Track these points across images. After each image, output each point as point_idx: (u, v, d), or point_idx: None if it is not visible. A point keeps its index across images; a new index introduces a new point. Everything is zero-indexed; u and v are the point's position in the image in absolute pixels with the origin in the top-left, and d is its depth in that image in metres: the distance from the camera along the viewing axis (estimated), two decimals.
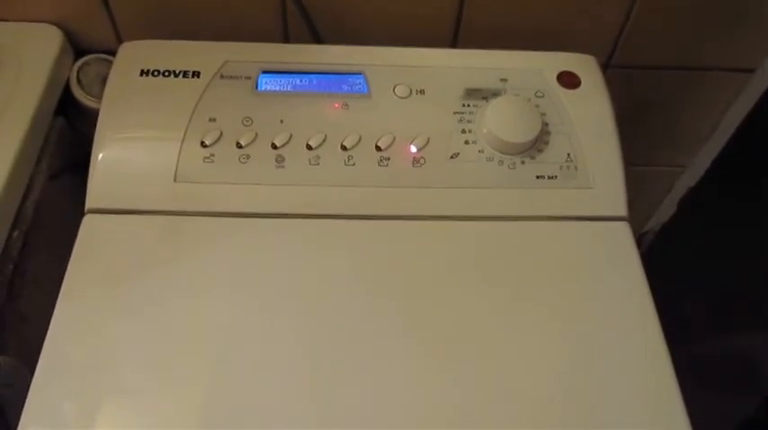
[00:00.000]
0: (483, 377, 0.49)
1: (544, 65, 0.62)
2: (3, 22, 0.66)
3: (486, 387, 0.48)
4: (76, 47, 0.69)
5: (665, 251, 0.96)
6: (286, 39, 0.70)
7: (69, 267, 0.51)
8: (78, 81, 0.67)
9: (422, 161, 0.57)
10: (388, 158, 0.57)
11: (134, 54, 0.60)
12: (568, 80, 0.62)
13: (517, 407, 0.48)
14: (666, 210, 0.95)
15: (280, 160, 0.56)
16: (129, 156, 0.56)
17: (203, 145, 0.56)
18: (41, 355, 0.47)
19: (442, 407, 0.47)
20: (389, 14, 0.68)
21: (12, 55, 0.64)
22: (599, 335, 0.51)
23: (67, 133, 0.68)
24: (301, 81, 0.60)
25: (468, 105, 0.60)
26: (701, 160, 0.87)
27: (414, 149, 0.57)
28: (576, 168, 0.58)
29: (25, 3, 0.66)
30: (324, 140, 0.57)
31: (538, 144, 0.58)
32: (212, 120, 0.57)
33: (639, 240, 0.96)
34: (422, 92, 0.60)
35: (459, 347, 0.50)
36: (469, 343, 0.50)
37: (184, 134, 0.56)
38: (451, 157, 0.57)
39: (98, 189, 0.55)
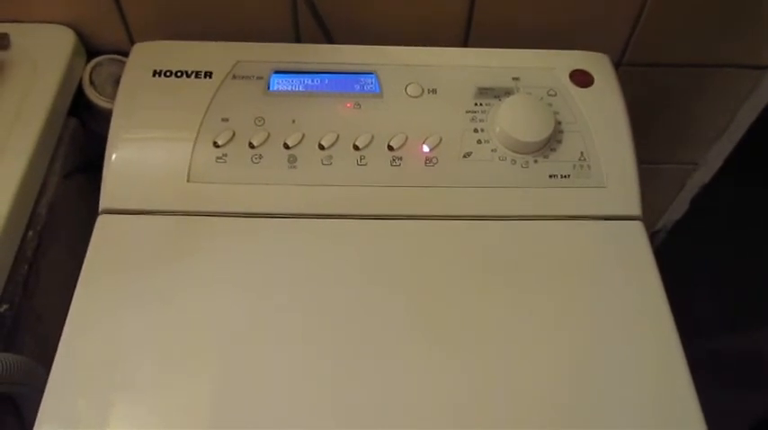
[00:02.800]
0: (496, 376, 0.49)
1: (556, 63, 0.62)
2: (16, 24, 0.66)
3: (498, 386, 0.48)
4: (89, 48, 0.69)
5: (677, 249, 0.95)
6: (297, 39, 0.70)
7: (84, 267, 0.52)
8: (91, 82, 0.67)
9: (434, 161, 0.57)
10: (401, 158, 0.57)
11: (147, 55, 0.61)
12: (581, 78, 0.61)
13: (531, 406, 0.48)
14: (679, 207, 0.94)
15: (292, 160, 0.56)
16: (142, 156, 0.56)
17: (216, 145, 0.56)
18: (57, 354, 0.48)
19: (457, 407, 0.47)
20: (401, 14, 0.67)
21: (25, 56, 0.64)
22: (613, 334, 0.51)
23: (80, 134, 0.68)
24: (313, 81, 0.60)
25: (481, 104, 0.59)
26: (714, 158, 0.86)
27: (426, 149, 0.57)
28: (589, 167, 0.58)
29: (38, 4, 0.66)
30: (336, 140, 0.57)
31: (551, 143, 0.58)
32: (225, 120, 0.57)
33: (652, 238, 0.96)
34: (434, 91, 0.60)
35: (473, 347, 0.50)
36: (483, 342, 0.50)
37: (197, 134, 0.56)
38: (464, 157, 0.57)
39: (112, 189, 0.55)
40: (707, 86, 0.78)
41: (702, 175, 0.89)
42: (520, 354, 0.50)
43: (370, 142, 0.57)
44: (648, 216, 0.58)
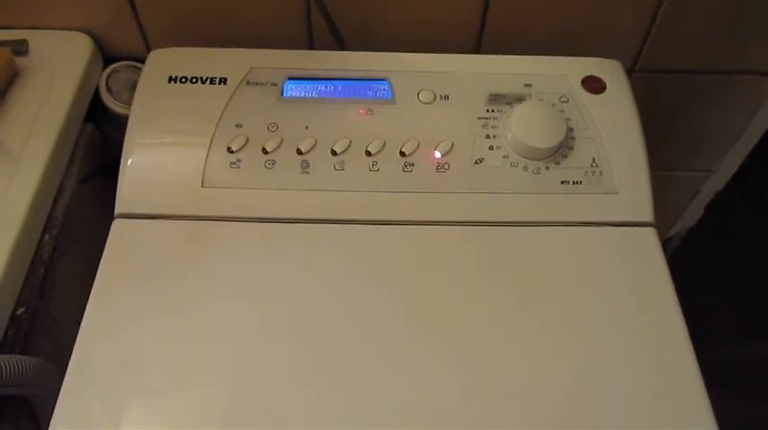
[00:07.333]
0: (506, 382, 0.49)
1: (569, 70, 0.62)
2: (35, 30, 0.68)
3: (509, 392, 0.48)
4: (106, 54, 0.70)
5: (691, 256, 0.95)
6: (311, 45, 0.70)
7: (99, 271, 0.52)
8: (108, 88, 0.68)
9: (446, 166, 0.57)
10: (413, 164, 0.57)
11: (163, 61, 0.61)
12: (593, 85, 0.61)
13: (543, 414, 0.48)
14: (693, 214, 0.94)
15: (305, 166, 0.57)
16: (157, 161, 0.57)
17: (230, 151, 0.57)
18: (72, 357, 0.48)
19: (471, 413, 0.47)
20: (413, 21, 0.68)
21: (43, 62, 0.65)
22: (625, 342, 0.51)
23: (97, 139, 0.69)
24: (326, 87, 0.60)
25: (493, 111, 0.60)
26: (728, 164, 0.86)
27: (438, 155, 0.58)
28: (601, 173, 0.58)
29: (56, 11, 0.67)
30: (348, 146, 0.57)
31: (562, 149, 0.58)
32: (239, 126, 0.58)
33: (665, 245, 0.95)
34: (446, 97, 0.60)
35: (484, 353, 0.50)
36: (494, 349, 0.50)
37: (211, 140, 0.57)
38: (476, 163, 0.58)
39: (127, 194, 0.56)
40: (720, 93, 0.78)
41: (716, 182, 0.88)
42: (531, 361, 0.50)
43: (383, 148, 0.57)
44: (662, 223, 0.58)
